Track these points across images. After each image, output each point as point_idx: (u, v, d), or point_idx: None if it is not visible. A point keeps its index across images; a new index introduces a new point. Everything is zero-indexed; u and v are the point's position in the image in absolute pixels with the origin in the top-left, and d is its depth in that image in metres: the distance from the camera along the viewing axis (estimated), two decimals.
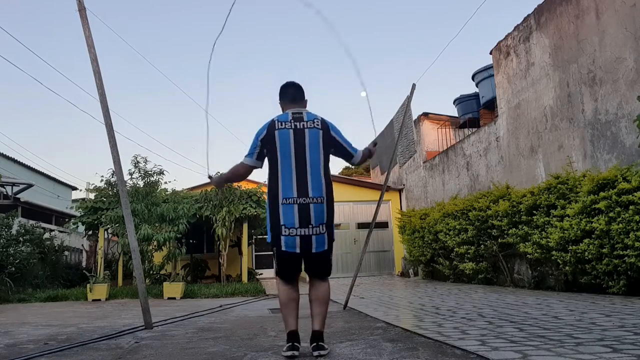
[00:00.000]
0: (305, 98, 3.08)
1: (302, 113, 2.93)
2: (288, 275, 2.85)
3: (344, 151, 3.00)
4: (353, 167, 3.46)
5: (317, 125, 2.89)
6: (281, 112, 3.05)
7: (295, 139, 2.83)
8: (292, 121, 2.87)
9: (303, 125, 2.87)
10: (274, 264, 2.92)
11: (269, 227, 2.86)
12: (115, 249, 13.89)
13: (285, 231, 2.74)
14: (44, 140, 49.01)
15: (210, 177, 3.22)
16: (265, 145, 2.87)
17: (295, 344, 2.65)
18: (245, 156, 2.97)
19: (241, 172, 3.04)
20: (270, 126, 2.88)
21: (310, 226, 2.75)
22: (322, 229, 2.79)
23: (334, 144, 2.94)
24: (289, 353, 2.61)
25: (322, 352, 2.63)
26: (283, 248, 2.76)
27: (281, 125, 2.86)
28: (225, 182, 3.24)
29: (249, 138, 2.99)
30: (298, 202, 2.75)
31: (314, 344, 2.68)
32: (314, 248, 2.77)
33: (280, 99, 3.09)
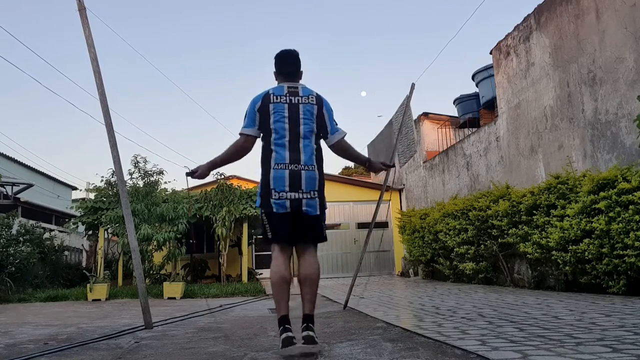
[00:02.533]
0: (301, 70, 3.03)
1: (297, 88, 2.92)
2: (279, 237, 2.78)
3: (324, 127, 2.93)
4: (332, 150, 3.22)
5: (312, 101, 2.90)
6: (276, 83, 3.00)
7: (290, 113, 2.82)
8: (288, 95, 2.86)
9: (298, 100, 2.87)
10: (265, 232, 2.81)
11: (259, 192, 2.85)
12: (115, 249, 13.90)
13: (275, 195, 2.73)
14: (44, 140, 49.04)
15: (189, 173, 2.97)
16: (260, 115, 2.84)
17: (287, 326, 2.63)
18: (244, 127, 2.86)
19: (245, 146, 2.88)
20: (265, 97, 2.85)
21: (300, 191, 2.75)
22: (313, 194, 2.79)
23: (320, 118, 2.91)
24: (285, 335, 2.57)
25: (310, 333, 2.60)
26: (274, 210, 2.74)
27: (276, 98, 2.84)
28: (218, 165, 2.98)
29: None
30: (289, 168, 2.75)
31: (305, 324, 2.65)
32: (304, 206, 2.75)
33: (275, 71, 3.03)
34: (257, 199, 2.87)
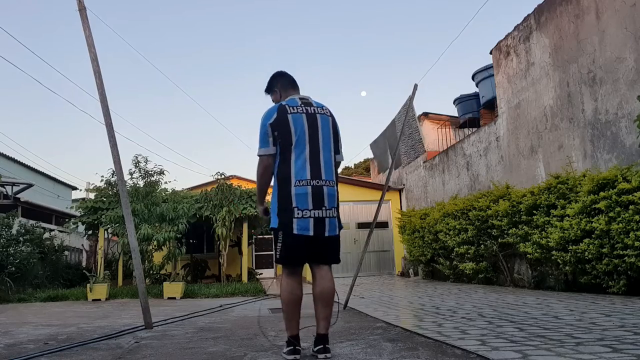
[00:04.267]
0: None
1: (309, 99, 2.89)
2: (295, 261, 2.70)
3: (336, 144, 2.91)
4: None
5: (327, 112, 2.87)
6: (274, 102, 2.97)
7: (309, 123, 2.76)
8: (303, 106, 2.81)
9: (314, 110, 2.82)
10: (278, 251, 2.70)
11: (275, 211, 2.70)
12: (115, 248, 13.90)
13: (298, 213, 2.62)
14: (44, 140, 49.04)
15: (261, 212, 2.98)
16: (275, 129, 2.72)
17: (297, 347, 2.61)
18: (261, 148, 2.76)
19: (265, 169, 2.78)
20: (281, 110, 2.76)
21: (323, 208, 2.67)
22: (334, 213, 2.74)
23: (334, 133, 2.89)
24: (291, 357, 2.57)
25: (327, 355, 2.59)
26: (295, 232, 2.62)
27: (293, 109, 2.77)
28: (260, 196, 2.94)
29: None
30: (312, 184, 2.67)
31: (320, 346, 2.62)
32: (327, 231, 2.69)
33: (277, 86, 2.98)
34: (273, 220, 2.72)
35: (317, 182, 2.69)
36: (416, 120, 5.77)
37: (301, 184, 2.66)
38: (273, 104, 2.97)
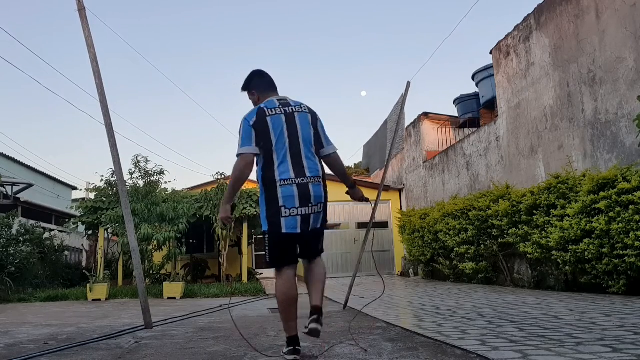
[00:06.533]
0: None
1: (286, 99, 2.91)
2: (285, 261, 2.71)
3: (318, 138, 2.90)
4: (324, 162, 3.12)
5: (305, 109, 2.89)
6: (255, 103, 2.98)
7: (287, 123, 2.78)
8: (281, 107, 2.83)
9: (292, 110, 2.84)
10: (268, 254, 2.73)
11: (265, 215, 2.72)
12: (115, 248, 13.90)
13: (285, 212, 2.65)
14: (44, 140, 49.05)
15: (222, 213, 2.83)
16: (255, 131, 2.73)
17: (297, 347, 2.63)
18: (242, 146, 2.71)
19: (247, 167, 2.73)
20: (260, 112, 2.77)
21: (310, 205, 2.70)
22: (320, 208, 2.77)
23: (315, 129, 2.89)
24: (292, 357, 2.59)
25: (318, 327, 2.62)
26: (284, 230, 2.65)
27: (271, 112, 2.79)
28: (232, 196, 2.85)
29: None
30: (296, 182, 2.69)
31: (315, 316, 2.65)
32: (311, 225, 2.73)
33: (254, 88, 2.98)
34: (263, 224, 2.74)
35: (302, 180, 2.70)
36: (404, 118, 5.79)
37: (286, 183, 2.68)
38: (251, 102, 3.01)
